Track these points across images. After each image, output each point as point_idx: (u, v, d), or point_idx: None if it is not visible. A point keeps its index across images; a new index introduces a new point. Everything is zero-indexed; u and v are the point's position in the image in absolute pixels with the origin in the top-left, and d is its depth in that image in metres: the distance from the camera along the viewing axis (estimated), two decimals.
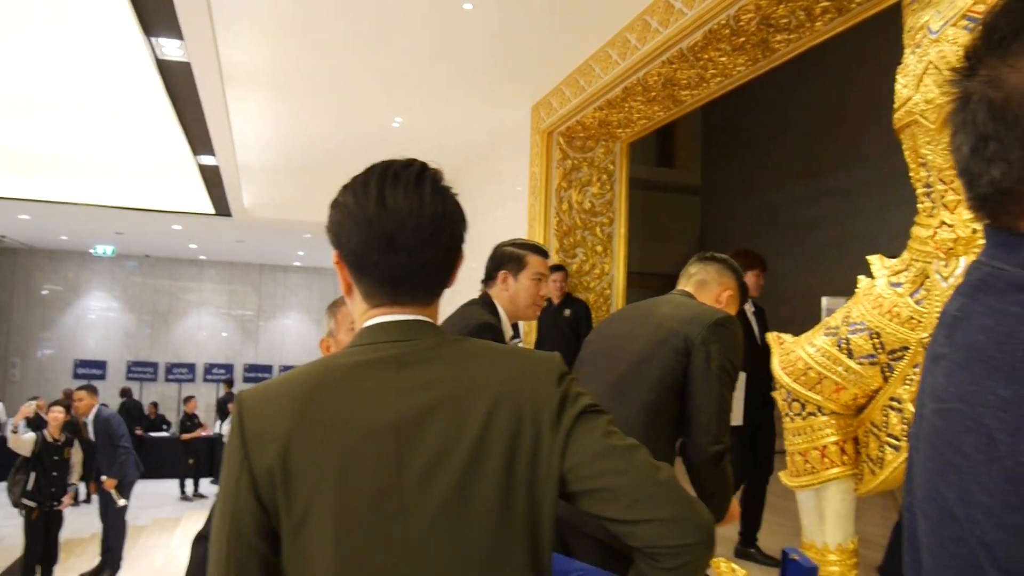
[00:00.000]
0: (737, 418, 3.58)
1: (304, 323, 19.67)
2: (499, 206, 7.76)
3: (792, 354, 2.59)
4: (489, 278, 2.62)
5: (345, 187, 1.16)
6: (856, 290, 2.54)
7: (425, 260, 1.11)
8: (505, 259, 2.60)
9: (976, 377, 0.68)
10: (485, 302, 2.58)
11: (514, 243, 2.66)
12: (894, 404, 2.34)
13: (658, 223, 12.08)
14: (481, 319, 2.44)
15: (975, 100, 0.71)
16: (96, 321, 18.35)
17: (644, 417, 2.10)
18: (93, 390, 7.76)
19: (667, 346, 2.13)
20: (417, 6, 4.80)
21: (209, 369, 18.70)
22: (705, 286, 2.41)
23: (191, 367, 18.57)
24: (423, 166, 1.15)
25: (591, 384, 2.30)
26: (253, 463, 1.03)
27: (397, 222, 1.09)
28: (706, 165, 12.35)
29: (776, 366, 2.64)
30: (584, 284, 6.49)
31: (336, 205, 1.14)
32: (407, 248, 1.09)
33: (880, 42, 2.91)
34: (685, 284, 2.45)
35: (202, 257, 18.61)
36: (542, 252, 2.65)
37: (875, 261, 2.48)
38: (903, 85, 2.30)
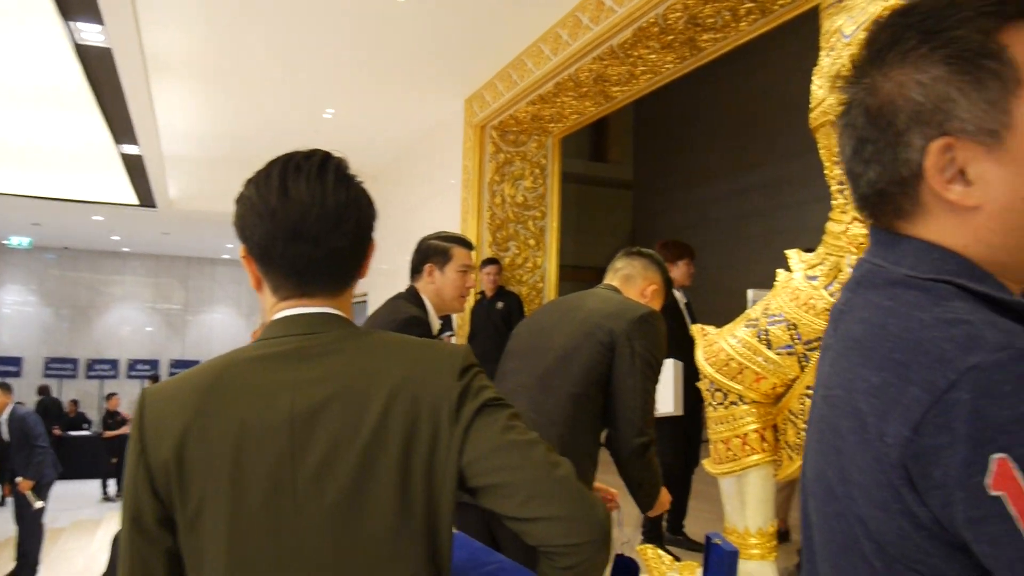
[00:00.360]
0: (678, 408, 3.67)
1: (233, 317, 19.24)
2: (432, 199, 7.75)
3: (715, 345, 2.67)
4: (415, 272, 2.63)
5: (248, 180, 1.14)
6: (775, 283, 2.63)
7: (331, 249, 1.10)
8: (431, 252, 2.61)
9: (852, 365, 0.73)
10: (412, 296, 2.58)
11: (439, 236, 2.67)
12: (810, 392, 2.44)
13: (591, 217, 12.21)
14: (408, 313, 2.45)
15: (856, 105, 0.76)
16: (11, 316, 17.60)
17: (570, 409, 2.15)
18: (7, 388, 7.46)
19: (592, 339, 2.19)
20: None
21: (133, 365, 18.13)
22: (631, 280, 2.47)
23: (114, 363, 17.97)
24: (326, 155, 1.14)
25: (518, 376, 2.34)
26: (149, 457, 1.02)
27: (300, 212, 1.08)
28: (638, 160, 12.53)
29: (699, 357, 2.71)
30: (517, 277, 6.53)
31: (240, 199, 1.13)
32: (311, 238, 1.08)
33: (803, 43, 3.02)
34: (612, 278, 2.51)
35: (125, 249, 18.03)
36: (467, 244, 2.67)
37: (792, 255, 2.57)
38: (819, 86, 2.38)
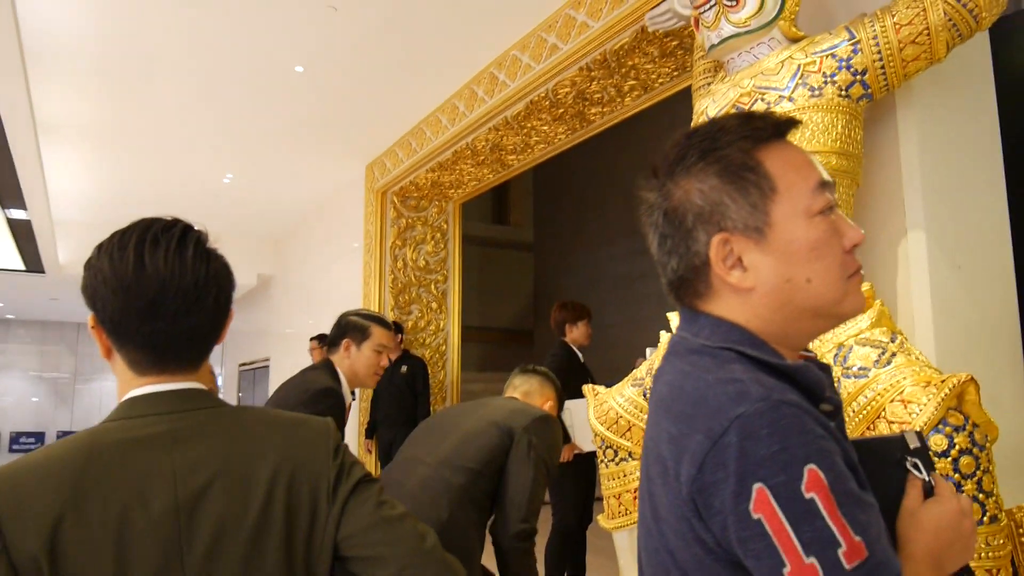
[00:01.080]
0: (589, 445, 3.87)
1: None
2: (335, 262, 7.75)
3: (605, 404, 2.79)
4: (332, 344, 2.68)
5: (99, 247, 1.09)
6: (659, 344, 2.79)
7: (190, 326, 1.07)
8: (350, 328, 2.68)
9: (658, 419, 0.87)
10: (328, 367, 2.63)
11: (359, 313, 2.76)
12: None
13: (494, 278, 12.40)
14: (323, 384, 2.49)
15: (656, 208, 0.92)
16: None
17: (463, 482, 2.27)
18: None
19: (494, 428, 2.39)
20: (247, 66, 4.81)
21: (16, 438, 17.03)
22: (529, 396, 2.74)
23: None
24: (186, 228, 1.10)
25: (420, 448, 2.45)
26: (12, 550, 0.93)
27: (158, 287, 1.04)
28: (538, 223, 12.85)
29: (591, 416, 2.83)
30: (420, 340, 6.57)
31: (90, 267, 1.08)
32: (169, 315, 1.05)
33: (686, 116, 3.29)
34: (512, 393, 2.74)
35: (9, 316, 17.06)
36: (386, 324, 2.75)
37: (672, 317, 2.75)
38: None
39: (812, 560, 0.70)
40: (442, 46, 4.56)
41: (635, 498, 2.75)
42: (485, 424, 2.41)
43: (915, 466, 0.85)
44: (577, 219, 11.33)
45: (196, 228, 1.12)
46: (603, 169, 10.57)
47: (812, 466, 0.72)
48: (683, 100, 4.15)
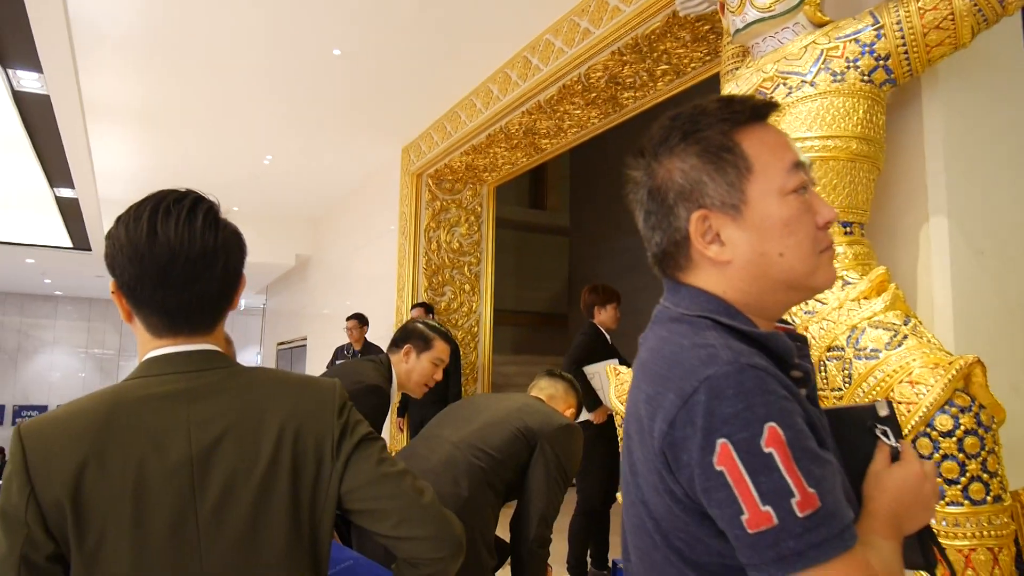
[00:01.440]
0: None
1: None
2: (370, 244, 7.87)
3: (626, 383, 2.85)
4: (395, 345, 2.77)
5: (118, 219, 1.15)
6: None
7: (200, 293, 1.13)
8: (415, 335, 2.75)
9: (638, 382, 0.93)
10: (384, 365, 2.72)
11: (426, 323, 2.87)
12: None
13: (530, 263, 12.44)
14: (372, 382, 2.54)
15: (642, 186, 0.98)
16: None
17: (485, 466, 2.37)
18: None
19: (520, 427, 2.46)
20: (287, 49, 4.92)
21: None
22: (553, 400, 2.79)
23: (42, 409, 17.39)
24: (197, 198, 1.15)
25: (446, 428, 2.54)
26: (40, 496, 1.02)
27: (168, 256, 1.10)
28: (574, 208, 12.85)
29: (611, 395, 2.89)
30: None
31: (109, 236, 1.14)
32: (180, 282, 1.11)
33: None
34: (537, 394, 2.82)
35: (58, 293, 17.58)
36: (449, 340, 2.85)
37: None
38: None
39: (768, 508, 0.77)
40: (476, 30, 4.61)
41: None
42: (510, 417, 2.49)
43: (884, 433, 0.90)
44: (613, 204, 11.31)
45: (208, 199, 1.18)
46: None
47: (772, 424, 0.78)
48: (716, 85, 4.16)
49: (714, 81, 4.07)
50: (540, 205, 13.42)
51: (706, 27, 3.74)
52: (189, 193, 1.16)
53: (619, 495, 2.98)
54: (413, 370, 2.73)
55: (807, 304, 2.11)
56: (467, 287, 6.77)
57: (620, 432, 2.89)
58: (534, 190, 13.40)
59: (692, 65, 4.16)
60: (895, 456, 0.90)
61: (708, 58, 4.04)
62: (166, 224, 1.11)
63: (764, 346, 0.89)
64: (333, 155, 7.27)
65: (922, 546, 0.91)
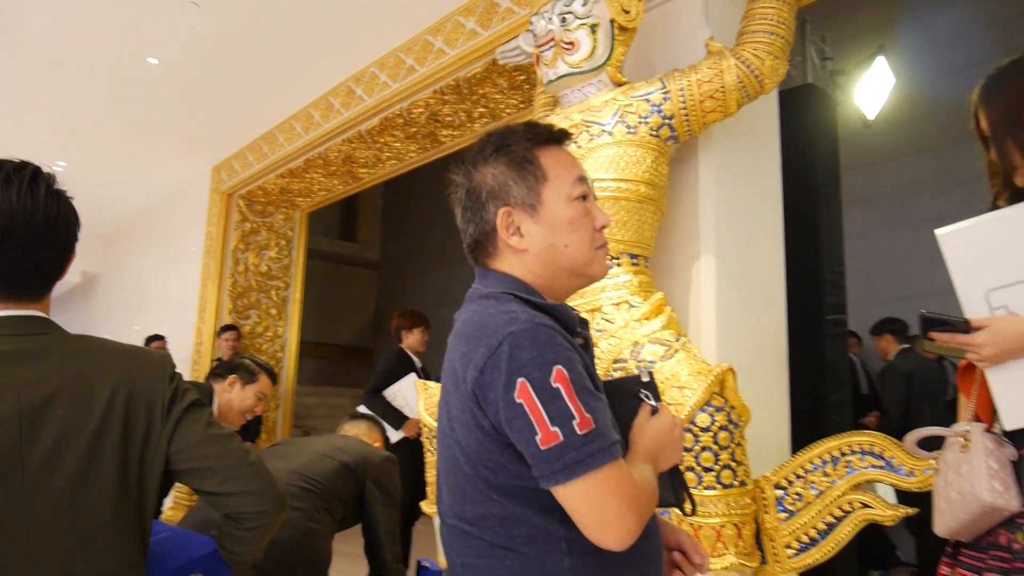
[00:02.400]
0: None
1: None
2: (171, 263, 7.55)
3: (434, 397, 3.03)
4: (218, 375, 2.82)
5: None
6: None
7: (38, 259, 1.20)
8: (242, 368, 2.86)
9: (454, 345, 1.14)
10: (206, 393, 2.77)
11: (254, 359, 2.96)
12: None
13: (337, 294, 12.37)
14: None
15: (461, 187, 1.23)
16: None
17: (316, 491, 2.50)
18: None
19: (345, 463, 2.62)
20: (95, 51, 4.72)
21: None
22: (360, 438, 2.98)
23: None
24: (36, 169, 1.22)
25: (276, 462, 2.63)
26: None
27: (9, 221, 1.15)
28: (385, 241, 12.97)
29: (420, 409, 3.05)
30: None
31: None
32: (19, 247, 1.17)
33: None
34: (347, 432, 3.02)
35: None
36: (274, 377, 2.97)
37: None
38: None
39: (556, 429, 1.00)
40: (303, 55, 4.70)
41: None
42: (334, 454, 2.64)
43: (645, 396, 1.17)
44: (424, 240, 11.57)
45: (46, 171, 1.25)
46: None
47: (559, 366, 1.02)
48: None
49: None
50: (351, 237, 13.42)
51: (522, 77, 4.08)
52: (27, 164, 1.22)
53: (422, 504, 3.14)
54: (235, 399, 2.82)
55: (597, 324, 2.41)
56: (274, 312, 6.68)
57: (426, 443, 3.06)
58: (345, 222, 13.38)
59: (507, 110, 4.49)
60: (654, 412, 1.16)
61: (522, 105, 4.39)
62: (7, 190, 1.16)
63: (553, 315, 1.13)
64: (137, 168, 6.94)
65: (672, 485, 1.17)
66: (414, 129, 4.87)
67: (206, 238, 6.72)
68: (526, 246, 1.17)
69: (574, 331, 1.15)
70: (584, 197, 1.20)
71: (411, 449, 4.40)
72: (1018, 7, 5.70)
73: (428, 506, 3.07)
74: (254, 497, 1.28)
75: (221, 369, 2.88)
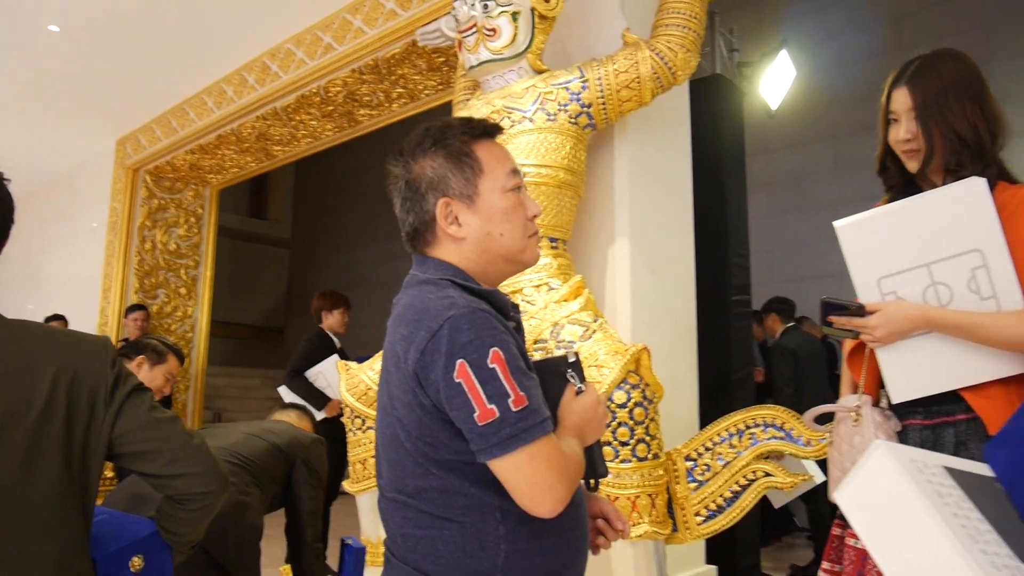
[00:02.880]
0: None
1: None
2: (73, 239, 7.24)
3: (356, 377, 3.06)
4: (126, 356, 2.80)
5: None
6: None
7: None
8: (149, 348, 2.82)
9: (395, 327, 1.20)
10: None
11: (162, 340, 2.93)
12: None
13: (246, 273, 12.09)
14: None
15: (401, 178, 1.28)
16: None
17: (248, 468, 2.46)
18: None
19: (275, 443, 2.61)
20: None
21: None
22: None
23: None
24: None
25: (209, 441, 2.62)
26: None
27: None
28: (297, 220, 12.73)
29: (343, 388, 3.08)
30: (165, 327, 6.37)
31: None
32: None
33: None
34: (277, 419, 3.01)
35: None
36: (182, 358, 2.97)
37: None
38: None
39: (492, 406, 1.07)
40: (215, 28, 4.58)
41: None
42: (262, 434, 2.66)
43: (572, 376, 1.25)
44: (338, 219, 11.42)
45: None
46: (367, 171, 10.77)
47: (495, 348, 1.09)
48: (446, 112, 4.55)
49: (446, 109, 4.46)
50: (261, 215, 13.11)
51: (441, 59, 4.10)
52: None
53: (344, 483, 3.18)
54: (143, 380, 2.78)
55: (520, 304, 2.49)
56: (183, 291, 6.51)
57: (347, 423, 3.09)
58: (255, 199, 13.06)
59: (426, 92, 4.51)
60: (580, 391, 1.24)
61: (441, 87, 4.41)
62: None
63: (489, 300, 1.21)
64: (34, 138, 6.60)
65: (597, 457, 1.26)
66: (331, 108, 4.83)
67: (110, 214, 6.47)
68: (464, 235, 1.24)
69: (508, 315, 1.23)
70: (518, 188, 1.28)
71: (332, 429, 4.41)
72: (910, 5, 6.05)
73: (350, 485, 3.11)
74: (199, 478, 1.31)
75: (128, 349, 2.85)
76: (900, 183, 1.65)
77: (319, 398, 4.41)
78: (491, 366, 1.08)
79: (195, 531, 1.35)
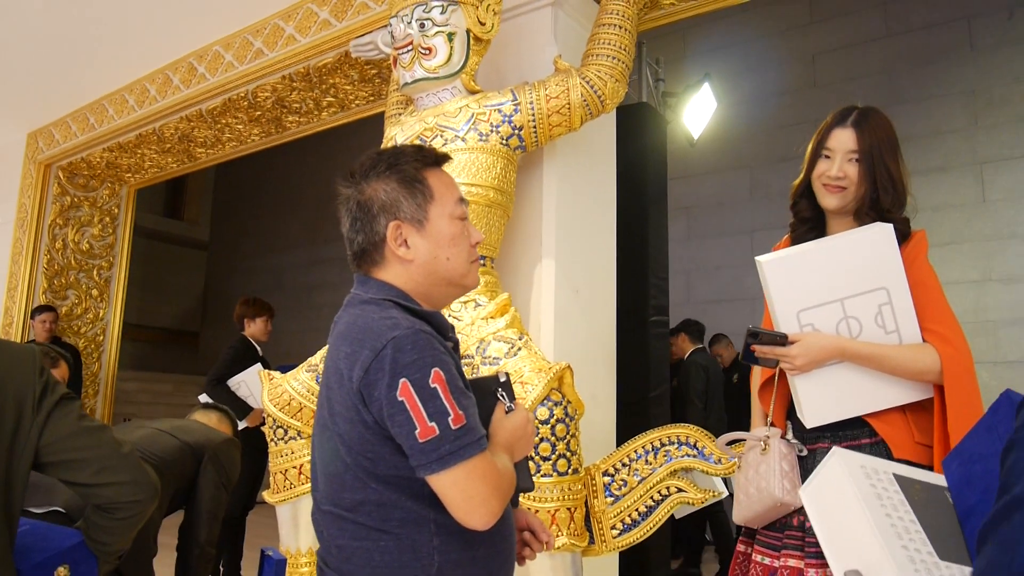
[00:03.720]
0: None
1: None
2: None
3: (279, 387, 3.03)
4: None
5: None
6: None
7: None
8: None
9: (338, 346, 1.24)
10: None
11: (52, 347, 2.95)
12: None
13: (161, 275, 11.73)
14: None
15: (352, 199, 1.32)
16: None
17: (154, 462, 2.43)
18: None
19: (181, 435, 2.64)
20: None
21: None
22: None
23: None
24: None
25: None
26: None
27: None
28: (216, 222, 12.43)
29: (265, 398, 3.05)
30: (75, 329, 6.14)
31: None
32: None
33: (374, 137, 3.62)
34: (196, 419, 3.03)
35: None
36: (71, 365, 2.97)
37: None
38: None
39: (433, 424, 1.13)
40: (139, 25, 4.48)
41: (299, 473, 3.03)
42: (172, 431, 2.63)
43: (501, 395, 1.32)
44: (259, 223, 11.21)
45: None
46: (293, 177, 10.63)
47: (436, 369, 1.15)
48: (375, 123, 4.56)
49: (376, 120, 4.47)
50: (178, 215, 12.75)
51: (374, 71, 4.12)
52: None
53: (264, 494, 3.15)
54: None
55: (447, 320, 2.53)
56: (95, 292, 6.29)
57: (268, 433, 3.06)
58: (172, 198, 12.71)
59: (357, 102, 4.51)
60: (510, 410, 1.31)
61: (372, 99, 4.43)
62: None
63: (430, 322, 1.26)
64: None
65: (523, 472, 1.33)
66: (259, 113, 4.78)
67: (18, 210, 6.20)
68: (412, 257, 1.29)
69: (447, 336, 1.29)
70: (464, 217, 1.34)
71: (252, 439, 4.34)
72: (823, 44, 6.39)
73: (270, 495, 3.08)
74: (128, 487, 1.31)
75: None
76: (810, 216, 1.78)
77: (241, 407, 4.34)
78: (432, 386, 1.13)
79: (122, 540, 1.35)
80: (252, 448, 4.33)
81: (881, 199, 1.67)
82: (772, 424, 1.73)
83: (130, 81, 5.19)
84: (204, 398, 4.42)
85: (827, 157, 1.73)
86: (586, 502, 2.34)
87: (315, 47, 4.05)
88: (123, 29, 4.52)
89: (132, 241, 6.60)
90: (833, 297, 1.64)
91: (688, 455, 2.29)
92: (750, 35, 6.65)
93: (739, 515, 1.71)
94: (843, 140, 1.71)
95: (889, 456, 1.56)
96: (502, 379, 1.33)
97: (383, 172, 1.30)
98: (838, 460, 1.31)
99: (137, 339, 10.98)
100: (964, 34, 5.81)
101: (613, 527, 2.33)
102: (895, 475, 1.31)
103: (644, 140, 3.86)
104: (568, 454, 2.25)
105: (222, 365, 4.46)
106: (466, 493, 1.13)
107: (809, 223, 1.80)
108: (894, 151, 1.69)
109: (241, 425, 4.28)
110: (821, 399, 1.65)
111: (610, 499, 2.35)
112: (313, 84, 4.34)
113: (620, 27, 2.82)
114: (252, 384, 4.36)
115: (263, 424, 4.36)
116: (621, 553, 2.99)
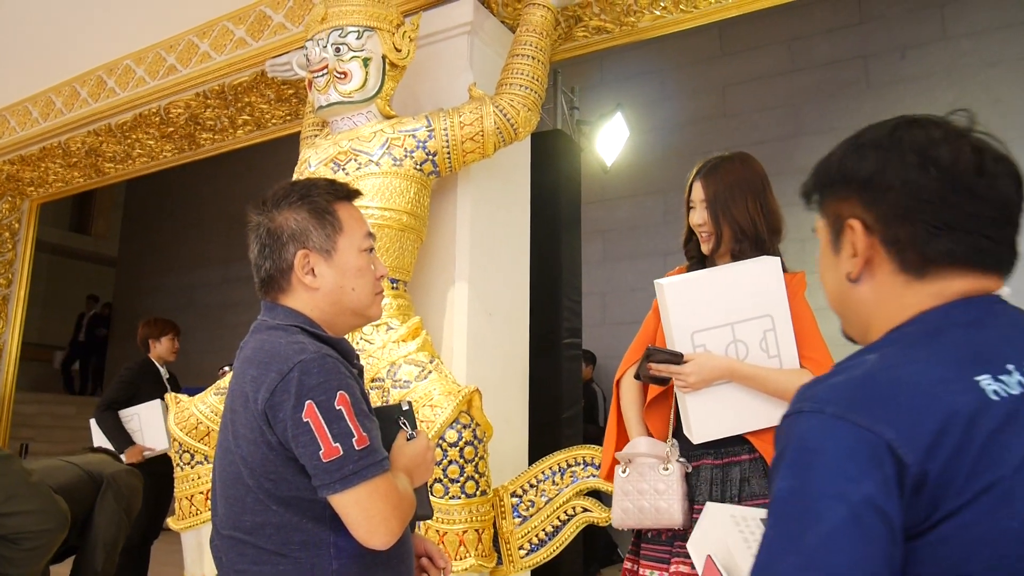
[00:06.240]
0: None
1: None
2: None
3: (186, 411, 2.98)
4: None
5: None
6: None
7: None
8: None
9: (244, 370, 1.27)
10: None
11: None
12: None
13: (65, 291, 11.27)
14: None
15: (262, 226, 1.35)
16: None
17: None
18: None
19: (81, 466, 2.55)
20: None
21: None
22: None
23: None
24: None
25: None
26: None
27: None
28: (125, 238, 12.02)
29: (171, 422, 2.99)
30: None
31: None
32: None
33: (290, 156, 3.59)
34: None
35: None
36: None
37: None
38: None
39: (337, 444, 1.16)
40: (44, 36, 4.35)
41: (206, 499, 2.96)
42: (72, 462, 2.53)
43: (403, 423, 1.37)
44: (170, 240, 10.89)
45: None
46: (204, 194, 10.39)
47: (342, 392, 1.19)
48: (292, 142, 4.53)
49: (293, 140, 4.44)
50: (84, 229, 12.30)
51: (291, 91, 4.10)
52: None
53: (169, 520, 3.07)
54: None
55: (357, 344, 2.54)
56: None
57: (175, 457, 3.00)
58: (78, 212, 12.25)
59: (273, 121, 4.47)
60: (411, 437, 1.35)
61: (289, 118, 4.40)
62: None
63: (336, 348, 1.30)
64: None
65: (423, 499, 1.36)
66: (171, 129, 4.67)
67: None
68: (318, 285, 1.32)
69: (352, 362, 1.33)
70: (371, 250, 1.39)
71: (158, 466, 4.20)
72: (732, 78, 6.66)
73: (175, 522, 3.01)
74: (36, 516, 1.29)
75: None
76: (698, 255, 1.92)
77: (123, 440, 4.13)
78: (338, 408, 1.17)
79: (29, 571, 1.32)
80: (156, 475, 4.20)
81: (726, 244, 1.82)
82: (663, 441, 1.81)
83: (34, 92, 5.00)
84: (93, 423, 4.21)
85: (692, 208, 1.90)
86: (494, 523, 2.38)
87: (231, 65, 4.00)
88: (26, 40, 4.38)
89: (34, 257, 6.32)
90: (725, 321, 1.75)
91: (593, 475, 2.35)
92: (664, 65, 6.88)
93: (623, 523, 1.79)
94: (696, 191, 1.89)
95: (765, 469, 1.67)
96: (404, 407, 1.37)
97: (295, 202, 1.34)
98: (712, 513, 1.44)
99: (38, 359, 10.50)
100: (861, 72, 6.16)
101: (521, 547, 2.38)
102: (762, 520, 1.41)
103: (558, 166, 3.95)
104: (476, 476, 2.28)
105: (115, 388, 4.29)
106: (368, 512, 1.17)
107: (696, 260, 1.95)
108: (747, 193, 1.82)
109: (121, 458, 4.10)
110: (708, 416, 1.75)
111: (518, 519, 2.39)
112: (228, 102, 4.28)
113: (533, 58, 2.90)
114: (145, 419, 4.15)
115: (144, 461, 4.20)
116: (533, 572, 3.04)
